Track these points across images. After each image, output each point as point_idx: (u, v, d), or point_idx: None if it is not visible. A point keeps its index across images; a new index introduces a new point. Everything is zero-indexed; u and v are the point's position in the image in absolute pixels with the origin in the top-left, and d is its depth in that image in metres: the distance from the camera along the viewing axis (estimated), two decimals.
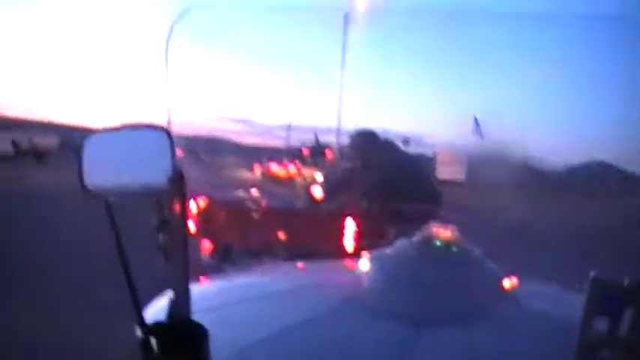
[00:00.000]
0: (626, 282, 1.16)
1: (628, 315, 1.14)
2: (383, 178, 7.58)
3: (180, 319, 1.38)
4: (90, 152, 1.47)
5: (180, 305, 1.39)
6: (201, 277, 2.42)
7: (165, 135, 1.45)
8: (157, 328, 1.37)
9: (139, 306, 1.37)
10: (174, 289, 1.40)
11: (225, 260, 7.36)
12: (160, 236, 1.40)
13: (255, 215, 7.76)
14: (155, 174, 1.40)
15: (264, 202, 8.21)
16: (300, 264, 2.77)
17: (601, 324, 1.16)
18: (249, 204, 8.01)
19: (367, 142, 8.01)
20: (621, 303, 1.14)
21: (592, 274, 1.15)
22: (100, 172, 1.48)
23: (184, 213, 1.41)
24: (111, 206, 1.42)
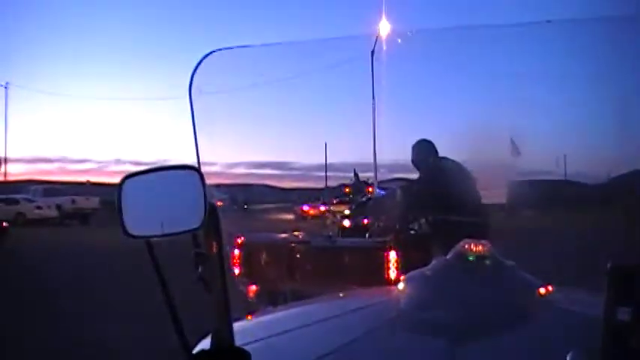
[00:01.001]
0: None
1: None
2: (446, 194, 7.47)
3: (224, 347, 1.43)
4: (127, 195, 1.55)
5: (223, 334, 1.44)
6: (248, 314, 2.48)
7: (196, 174, 1.52)
8: (201, 356, 1.43)
9: (184, 336, 1.43)
10: (216, 319, 1.46)
11: (271, 302, 7.36)
12: (200, 269, 1.46)
13: (297, 254, 7.77)
14: (190, 212, 1.47)
15: (304, 241, 8.21)
16: (341, 293, 2.81)
17: (625, 313, 1.17)
18: (291, 244, 8.02)
19: (429, 151, 7.72)
20: None
21: (610, 263, 1.17)
22: (138, 214, 1.55)
23: (220, 246, 1.47)
24: (152, 246, 1.50)
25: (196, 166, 1.61)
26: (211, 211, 1.47)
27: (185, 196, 1.51)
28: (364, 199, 12.04)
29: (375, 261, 7.15)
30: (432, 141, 7.56)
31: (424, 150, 7.42)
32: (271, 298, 7.37)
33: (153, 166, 1.59)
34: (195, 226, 1.45)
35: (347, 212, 11.77)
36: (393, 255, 7.03)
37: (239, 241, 7.73)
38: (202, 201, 1.47)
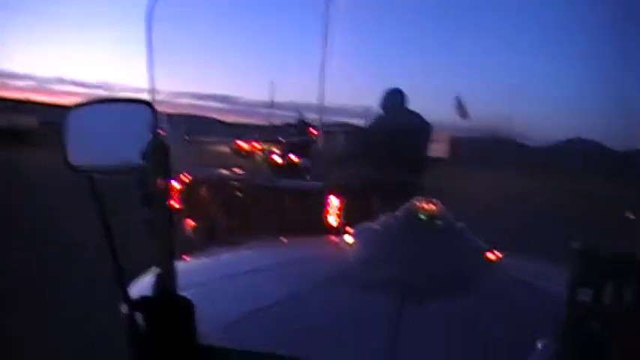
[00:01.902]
0: (610, 253, 1.16)
1: (612, 286, 1.15)
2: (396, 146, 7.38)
3: (166, 294, 1.37)
4: (73, 126, 1.45)
5: (166, 280, 1.38)
6: (185, 255, 2.41)
7: (149, 109, 1.43)
8: (142, 303, 1.36)
9: (123, 281, 1.36)
10: (159, 264, 1.39)
11: (209, 238, 7.32)
12: (145, 210, 1.39)
13: (238, 192, 7.72)
14: (138, 148, 1.39)
15: (247, 179, 8.18)
16: (284, 239, 2.76)
17: (585, 295, 1.16)
18: (232, 181, 7.96)
19: (398, 102, 7.52)
20: (606, 274, 1.15)
21: (576, 245, 1.15)
22: (83, 146, 1.46)
23: (168, 187, 1.40)
24: (94, 182, 1.41)
25: (148, 99, 1.51)
26: (161, 149, 1.39)
27: (134, 130, 1.42)
28: (298, 140, 12.26)
29: (315, 204, 7.16)
30: (403, 92, 7.37)
31: (389, 98, 7.26)
32: (209, 235, 7.34)
33: (98, 92, 1.49)
34: (142, 163, 1.37)
35: (277, 151, 12.10)
36: (334, 200, 7.04)
37: (180, 175, 7.63)
38: (151, 137, 1.39)
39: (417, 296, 1.79)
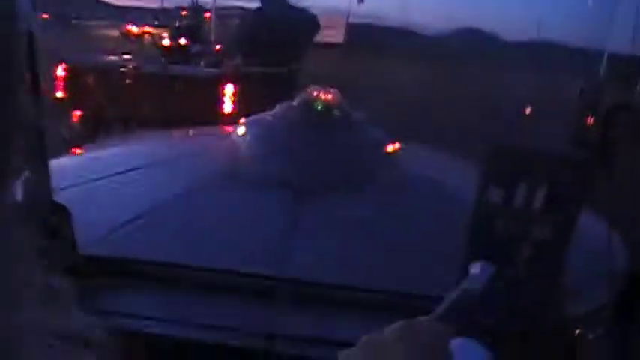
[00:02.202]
0: (523, 150, 1.10)
1: (525, 185, 1.10)
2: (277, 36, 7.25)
3: (39, 199, 1.24)
4: None
5: (39, 183, 1.24)
6: (68, 150, 2.25)
7: None
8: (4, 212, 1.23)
9: None
10: (30, 165, 1.24)
11: (96, 130, 6.96)
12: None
13: (127, 80, 7.34)
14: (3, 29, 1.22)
15: (137, 66, 7.77)
16: (174, 132, 2.62)
17: (495, 195, 1.11)
18: (120, 68, 7.55)
19: None
20: (517, 171, 1.10)
21: (492, 142, 1.09)
22: None
23: (36, 73, 1.24)
24: None
25: None
26: (27, 33, 1.22)
27: None
28: (184, 22, 12.07)
29: (210, 93, 6.95)
30: None
31: None
32: (97, 125, 7.00)
33: None
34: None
35: (165, 35, 11.90)
36: (230, 87, 6.86)
37: (64, 63, 7.16)
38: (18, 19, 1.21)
39: (312, 190, 1.72)
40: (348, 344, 1.12)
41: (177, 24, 13.01)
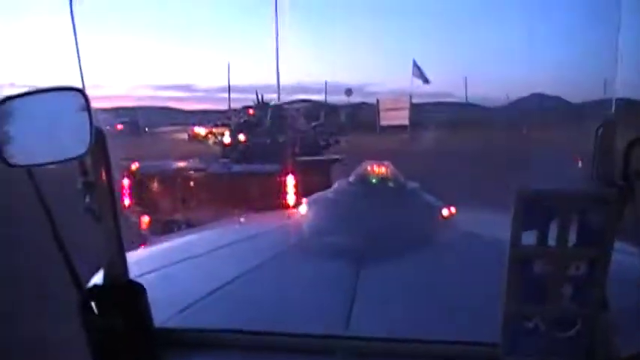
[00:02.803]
0: (550, 193, 1.16)
1: (555, 224, 1.15)
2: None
3: (117, 280, 1.35)
4: (5, 121, 1.41)
5: (116, 267, 1.36)
6: (141, 244, 2.38)
7: (80, 95, 1.39)
8: (94, 291, 1.34)
9: (74, 271, 1.33)
10: (108, 252, 1.37)
11: (165, 231, 7.19)
12: (87, 199, 1.36)
13: (193, 182, 7.72)
14: (75, 137, 1.35)
15: (200, 168, 8.22)
16: (240, 218, 2.74)
17: (530, 237, 1.16)
18: (186, 171, 7.96)
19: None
20: (547, 213, 1.15)
21: (518, 189, 1.15)
22: (19, 141, 1.41)
23: (109, 173, 1.37)
24: (33, 175, 1.38)
25: (80, 87, 1.46)
26: (98, 136, 1.35)
27: (69, 120, 1.38)
28: (242, 120, 13.17)
29: (272, 187, 7.24)
30: None
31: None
32: (166, 229, 7.23)
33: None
34: (80, 153, 1.33)
35: (227, 133, 13.02)
36: (291, 180, 7.12)
37: (132, 168, 7.51)
38: (88, 125, 1.34)
39: (374, 257, 1.79)
40: None
41: (236, 122, 13.94)
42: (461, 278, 1.67)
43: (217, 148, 12.29)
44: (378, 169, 2.05)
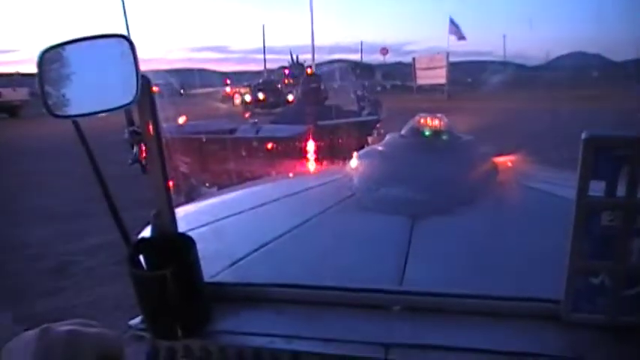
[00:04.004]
0: (619, 139, 1.07)
1: (625, 172, 1.07)
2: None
3: (165, 233, 1.31)
4: (49, 70, 1.36)
5: (164, 219, 1.32)
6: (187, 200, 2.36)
7: (126, 42, 1.34)
8: (143, 244, 1.31)
9: (122, 224, 1.30)
10: (156, 203, 1.33)
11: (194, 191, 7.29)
12: (135, 149, 1.32)
13: (219, 147, 7.90)
14: (121, 85, 1.31)
15: (230, 129, 8.43)
16: (289, 175, 2.70)
17: (598, 186, 1.08)
18: (215, 135, 8.13)
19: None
20: (617, 161, 1.06)
21: (584, 133, 1.06)
22: (63, 90, 1.37)
23: (157, 122, 1.32)
24: (79, 126, 1.33)
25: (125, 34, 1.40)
26: (145, 85, 1.30)
27: (114, 68, 1.33)
28: (259, 82, 15.56)
29: (298, 149, 7.44)
30: None
31: None
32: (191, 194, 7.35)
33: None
34: (127, 101, 1.28)
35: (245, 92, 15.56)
36: (311, 145, 7.28)
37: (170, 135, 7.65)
38: (134, 73, 1.29)
39: (428, 212, 1.73)
40: (464, 350, 1.12)
41: (256, 83, 15.87)
42: (519, 232, 1.61)
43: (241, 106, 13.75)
44: (432, 122, 1.97)
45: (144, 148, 1.32)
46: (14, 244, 7.91)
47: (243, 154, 8.02)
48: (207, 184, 7.26)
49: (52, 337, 0.92)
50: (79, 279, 6.61)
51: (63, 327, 0.95)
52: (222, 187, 6.28)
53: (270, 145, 8.30)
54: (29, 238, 8.20)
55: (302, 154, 7.54)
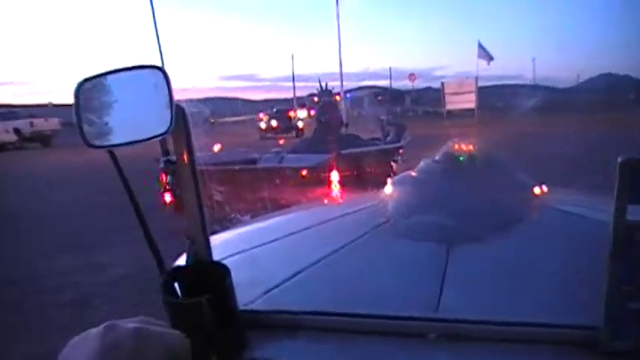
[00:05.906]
0: None
1: None
2: None
3: (201, 260, 1.32)
4: (85, 101, 1.38)
5: (199, 247, 1.33)
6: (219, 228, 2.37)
7: (160, 73, 1.35)
8: (178, 272, 1.31)
9: (157, 252, 1.31)
10: (191, 232, 1.34)
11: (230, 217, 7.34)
12: (169, 179, 1.32)
13: (244, 175, 8.08)
14: (156, 116, 1.32)
15: (251, 159, 8.63)
16: (323, 203, 2.71)
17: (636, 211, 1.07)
18: (236, 166, 8.31)
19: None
20: None
21: (619, 158, 1.05)
22: (99, 121, 1.39)
23: (191, 151, 1.33)
24: (115, 157, 1.35)
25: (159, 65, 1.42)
26: (179, 114, 1.31)
27: (149, 98, 1.34)
28: (275, 109, 17.63)
29: (322, 178, 7.58)
30: None
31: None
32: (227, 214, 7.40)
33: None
34: (162, 131, 1.30)
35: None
36: (335, 174, 7.43)
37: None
38: (169, 103, 1.31)
39: (463, 239, 1.71)
40: None
41: (271, 112, 17.64)
42: (555, 258, 1.59)
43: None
44: (466, 147, 1.96)
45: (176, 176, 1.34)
46: (37, 274, 7.99)
47: (267, 183, 8.19)
48: (239, 214, 7.32)
49: (118, 334, 0.92)
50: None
51: (129, 324, 0.96)
52: (254, 215, 6.33)
53: (293, 174, 8.52)
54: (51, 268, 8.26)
55: (326, 182, 7.66)
